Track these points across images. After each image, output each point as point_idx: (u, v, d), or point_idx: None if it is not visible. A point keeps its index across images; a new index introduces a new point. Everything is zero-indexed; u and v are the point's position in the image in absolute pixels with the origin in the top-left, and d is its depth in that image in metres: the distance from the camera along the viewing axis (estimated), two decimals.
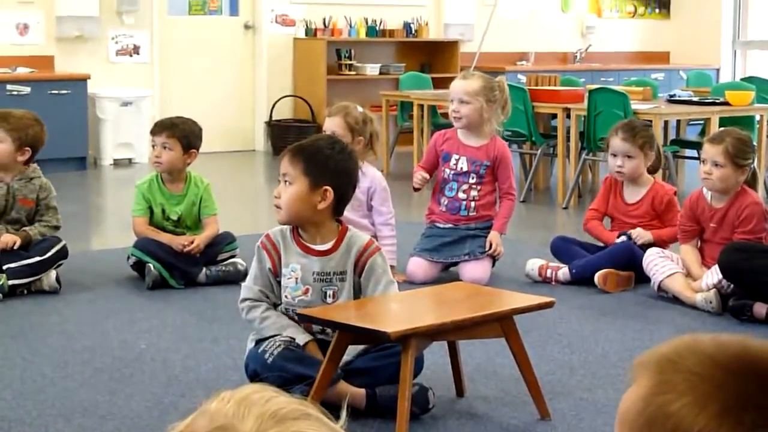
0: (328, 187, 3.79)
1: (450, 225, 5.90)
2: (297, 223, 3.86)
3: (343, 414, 1.25)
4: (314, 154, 3.83)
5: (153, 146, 5.74)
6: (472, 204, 5.89)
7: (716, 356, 1.19)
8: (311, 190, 3.78)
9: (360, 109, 5.76)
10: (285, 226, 3.90)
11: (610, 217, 6.04)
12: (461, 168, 5.89)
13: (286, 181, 3.81)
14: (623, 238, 5.82)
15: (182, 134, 5.70)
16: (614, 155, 5.90)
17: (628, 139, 5.86)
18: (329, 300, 3.85)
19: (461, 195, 5.90)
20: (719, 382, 1.17)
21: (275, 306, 3.90)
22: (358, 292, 3.89)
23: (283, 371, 3.67)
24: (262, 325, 3.85)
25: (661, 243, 5.74)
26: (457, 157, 5.90)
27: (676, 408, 1.17)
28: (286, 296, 3.87)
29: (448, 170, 5.92)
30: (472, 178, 5.88)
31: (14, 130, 5.51)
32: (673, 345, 1.24)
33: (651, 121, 8.10)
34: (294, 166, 3.81)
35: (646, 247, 5.67)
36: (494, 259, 5.86)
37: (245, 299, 3.92)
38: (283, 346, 3.74)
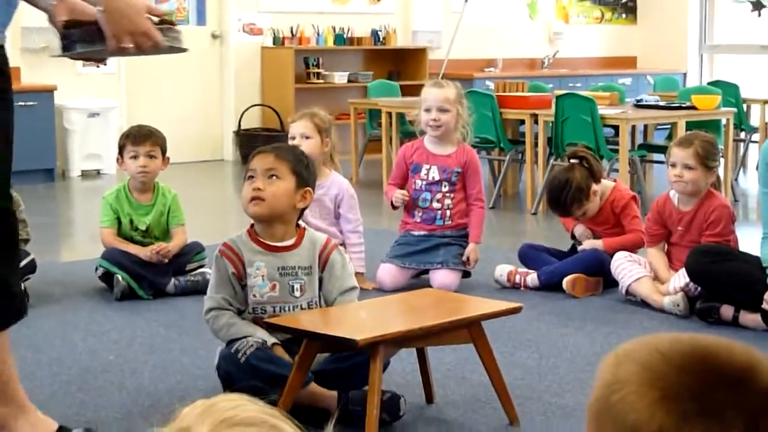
0: (309, 189, 3.92)
1: (424, 232, 5.91)
2: (274, 218, 3.87)
3: (329, 429, 1.30)
4: (298, 156, 3.97)
5: (133, 156, 5.67)
6: (448, 212, 5.89)
7: (666, 351, 1.24)
8: (296, 188, 3.87)
9: (323, 112, 5.81)
10: (241, 232, 3.92)
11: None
12: (433, 177, 5.89)
13: (272, 176, 3.84)
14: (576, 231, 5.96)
15: (162, 142, 5.72)
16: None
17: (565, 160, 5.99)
18: (297, 293, 3.86)
19: (435, 204, 5.90)
20: (662, 374, 1.21)
21: (240, 313, 3.89)
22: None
23: (256, 371, 3.66)
24: (230, 332, 3.82)
25: (614, 251, 5.74)
26: (427, 167, 5.91)
27: (619, 397, 1.22)
28: (254, 295, 3.86)
29: (419, 181, 5.92)
30: (445, 186, 5.88)
31: None
32: (634, 341, 1.29)
33: (618, 126, 8.16)
34: (281, 162, 3.87)
35: (612, 253, 5.71)
36: (468, 270, 5.87)
37: (210, 309, 3.89)
38: (255, 346, 3.72)
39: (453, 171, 5.87)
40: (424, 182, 5.91)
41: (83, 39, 3.25)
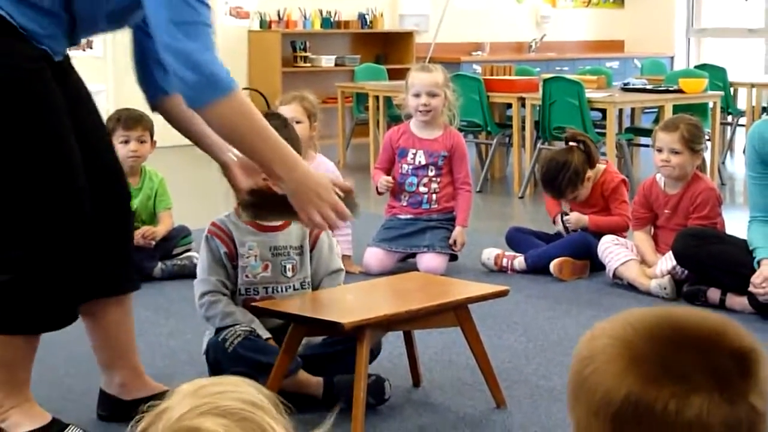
0: None
1: (411, 216, 5.90)
2: None
3: (329, 422, 1.29)
4: (288, 136, 3.92)
5: (124, 141, 5.64)
6: (434, 196, 5.90)
7: (636, 323, 1.24)
8: None
9: (311, 96, 5.81)
10: (228, 212, 3.89)
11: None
12: (419, 162, 5.89)
13: None
14: (559, 219, 5.92)
15: (151, 125, 5.70)
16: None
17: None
18: (288, 274, 3.85)
19: (422, 189, 5.90)
20: (631, 343, 1.22)
21: (232, 294, 3.86)
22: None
23: (243, 360, 3.65)
24: (224, 322, 3.77)
25: (598, 230, 5.75)
26: (414, 151, 5.90)
27: (592, 369, 1.23)
28: (246, 276, 3.83)
29: (406, 165, 5.92)
30: (431, 171, 5.88)
31: None
32: (609, 318, 1.29)
33: (605, 109, 8.15)
34: None
35: (599, 236, 5.70)
36: (455, 254, 5.88)
37: (205, 293, 3.81)
38: (243, 335, 3.70)
39: (439, 155, 5.87)
40: (411, 166, 5.90)
41: (274, 210, 3.47)
